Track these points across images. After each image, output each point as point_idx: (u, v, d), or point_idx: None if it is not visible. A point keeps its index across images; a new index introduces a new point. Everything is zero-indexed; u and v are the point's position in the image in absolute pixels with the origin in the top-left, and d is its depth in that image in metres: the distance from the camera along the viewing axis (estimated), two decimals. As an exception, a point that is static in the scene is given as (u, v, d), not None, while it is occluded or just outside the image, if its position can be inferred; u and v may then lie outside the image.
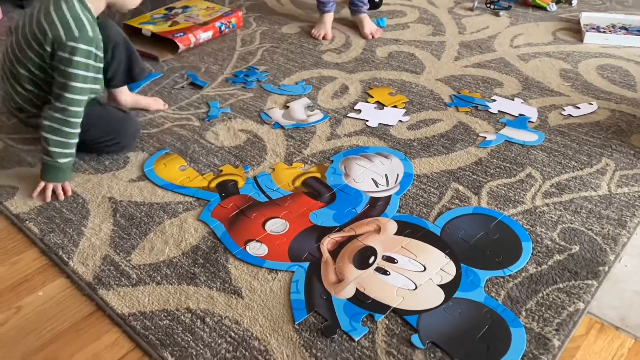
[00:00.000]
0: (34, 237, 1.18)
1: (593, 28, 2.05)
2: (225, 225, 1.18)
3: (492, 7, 2.30)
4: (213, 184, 1.32)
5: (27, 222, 1.22)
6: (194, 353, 0.91)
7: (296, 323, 0.95)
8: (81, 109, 1.27)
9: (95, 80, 1.28)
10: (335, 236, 1.14)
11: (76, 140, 1.29)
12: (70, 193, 1.30)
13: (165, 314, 0.98)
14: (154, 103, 1.64)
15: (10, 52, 1.33)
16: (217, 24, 2.08)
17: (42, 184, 1.28)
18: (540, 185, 1.27)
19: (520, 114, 1.55)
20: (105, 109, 1.43)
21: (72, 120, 1.26)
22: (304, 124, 1.54)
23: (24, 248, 1.17)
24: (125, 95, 1.58)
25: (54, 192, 1.29)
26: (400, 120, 1.55)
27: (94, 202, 1.28)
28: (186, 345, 0.92)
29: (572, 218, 1.16)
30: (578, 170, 1.32)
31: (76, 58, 1.22)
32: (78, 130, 1.28)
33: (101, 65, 1.30)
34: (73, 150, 1.29)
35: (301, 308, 0.98)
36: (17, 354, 0.90)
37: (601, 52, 1.91)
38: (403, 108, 1.61)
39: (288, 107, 1.63)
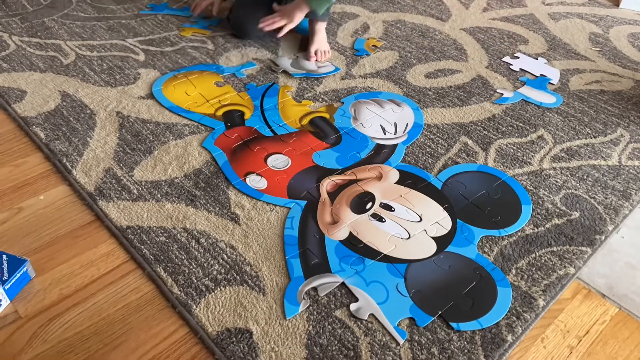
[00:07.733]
0: (40, 142, 1.19)
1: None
2: (227, 155, 1.18)
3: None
4: (219, 112, 1.30)
5: (34, 126, 1.22)
6: (187, 271, 0.93)
7: (287, 257, 0.96)
8: None
9: None
10: (336, 178, 1.14)
11: None
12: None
13: (162, 231, 1.00)
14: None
15: None
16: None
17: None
18: (550, 149, 1.25)
19: (541, 74, 1.51)
20: None
21: None
22: (314, 74, 1.47)
23: (29, 152, 1.18)
24: None
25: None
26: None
27: (101, 114, 1.27)
28: (179, 263, 0.94)
29: (577, 185, 1.15)
30: (591, 137, 1.29)
31: None
32: None
33: None
34: None
35: (293, 244, 0.99)
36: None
37: (636, 20, 1.84)
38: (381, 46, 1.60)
39: (297, 56, 1.54)
